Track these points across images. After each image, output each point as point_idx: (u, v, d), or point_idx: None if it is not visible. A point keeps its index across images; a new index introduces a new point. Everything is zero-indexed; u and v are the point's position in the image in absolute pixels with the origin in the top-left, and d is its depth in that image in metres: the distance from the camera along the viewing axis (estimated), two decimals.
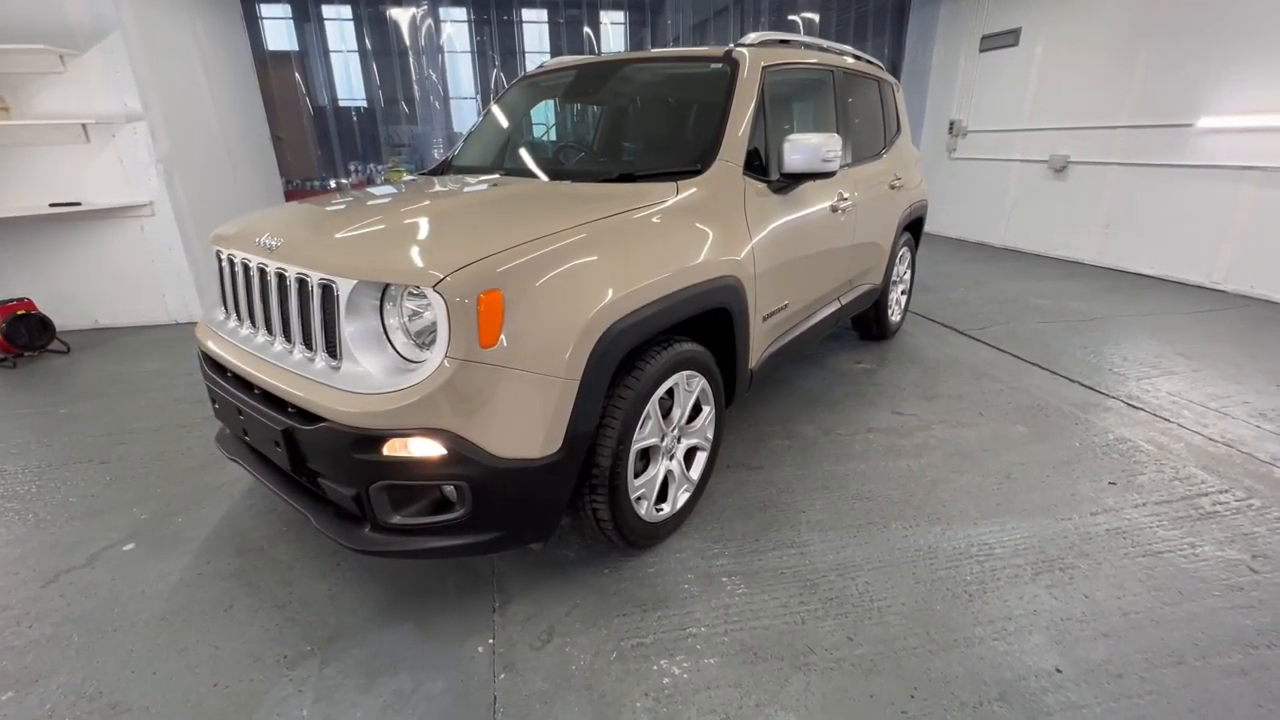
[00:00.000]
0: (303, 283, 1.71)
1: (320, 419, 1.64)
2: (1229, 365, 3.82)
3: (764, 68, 2.52)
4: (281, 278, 1.78)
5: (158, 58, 4.85)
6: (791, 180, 2.49)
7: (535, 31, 8.53)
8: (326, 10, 7.34)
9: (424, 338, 1.63)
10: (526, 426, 1.62)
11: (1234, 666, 1.69)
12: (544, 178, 2.46)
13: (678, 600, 1.96)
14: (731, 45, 2.58)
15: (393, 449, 1.57)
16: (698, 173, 2.22)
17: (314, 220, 2.06)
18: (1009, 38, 7.32)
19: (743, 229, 2.27)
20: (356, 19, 7.42)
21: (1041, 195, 7.10)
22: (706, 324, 2.17)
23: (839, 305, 3.31)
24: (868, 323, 4.13)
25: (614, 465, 1.84)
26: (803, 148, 2.34)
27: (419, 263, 1.56)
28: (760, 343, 2.51)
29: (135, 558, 2.22)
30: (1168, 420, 3.12)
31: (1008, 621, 1.85)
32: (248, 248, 1.92)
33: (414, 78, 7.75)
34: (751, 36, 2.64)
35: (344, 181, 7.65)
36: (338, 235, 1.81)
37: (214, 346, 2.05)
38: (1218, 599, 1.93)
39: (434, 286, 1.50)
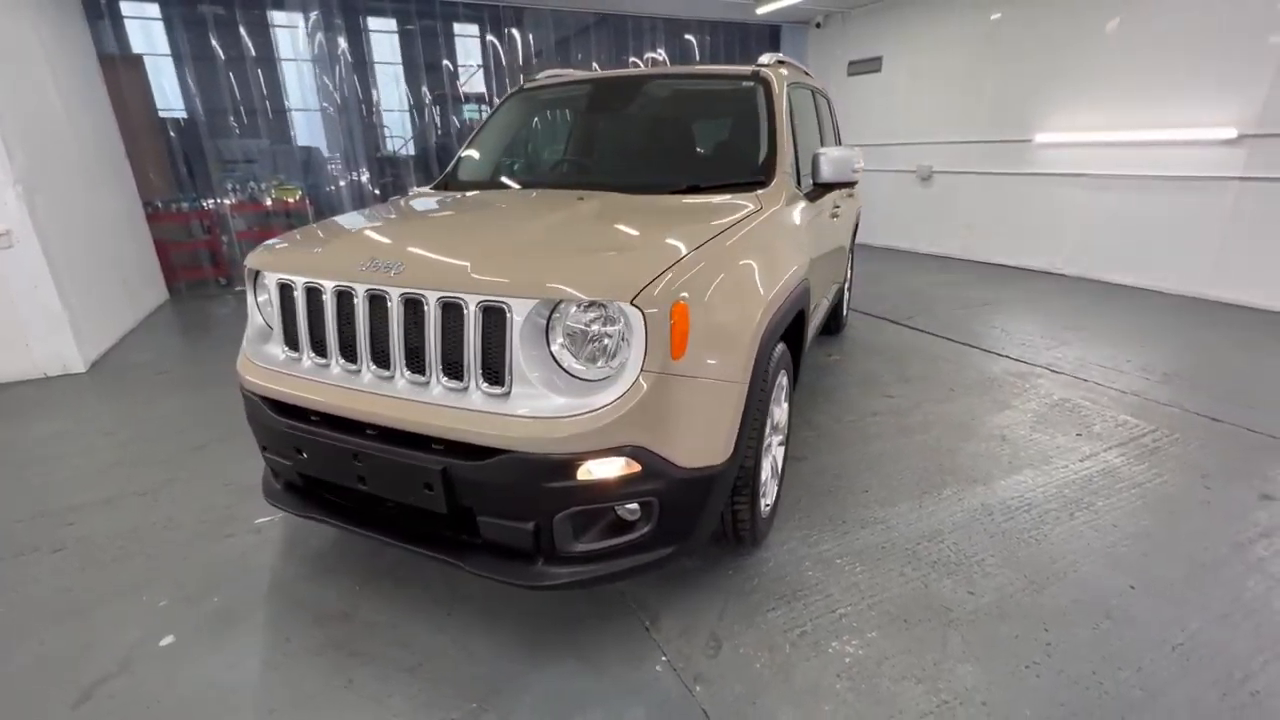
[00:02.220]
0: (449, 307, 1.58)
1: (493, 451, 1.53)
2: (1101, 333, 4.73)
3: (786, 85, 2.73)
4: (413, 304, 1.62)
5: None
6: (822, 190, 2.72)
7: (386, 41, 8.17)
8: (158, 10, 6.35)
9: (597, 355, 1.58)
10: (710, 434, 1.64)
11: (1237, 558, 2.16)
12: (609, 191, 2.42)
13: (810, 587, 2.06)
14: (755, 65, 2.75)
15: (586, 473, 1.52)
16: (762, 184, 2.35)
17: (422, 240, 1.90)
18: (874, 64, 8.35)
19: (803, 235, 2.44)
20: (176, 20, 6.44)
21: (912, 200, 8.17)
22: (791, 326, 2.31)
23: (827, 301, 3.62)
24: (831, 317, 4.52)
25: (755, 465, 1.91)
26: (834, 160, 2.57)
27: (608, 278, 1.52)
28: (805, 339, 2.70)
29: (183, 651, 1.85)
30: (1086, 380, 3.80)
31: (1074, 556, 2.19)
32: (344, 274, 1.71)
33: (259, 89, 6.89)
34: (765, 58, 2.83)
35: (225, 201, 6.71)
36: (485, 255, 1.68)
37: (292, 390, 1.79)
38: (1198, 512, 2.44)
39: (631, 300, 1.47)
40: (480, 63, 11.81)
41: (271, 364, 1.89)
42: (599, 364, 1.56)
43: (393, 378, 1.69)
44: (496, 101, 9.08)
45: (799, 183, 2.67)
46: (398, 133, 9.71)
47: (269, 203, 6.79)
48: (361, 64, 7.46)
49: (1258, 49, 4.96)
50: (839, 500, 2.56)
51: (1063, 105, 6.35)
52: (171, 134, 6.63)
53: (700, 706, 1.62)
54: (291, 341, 1.86)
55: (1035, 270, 6.83)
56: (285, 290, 1.84)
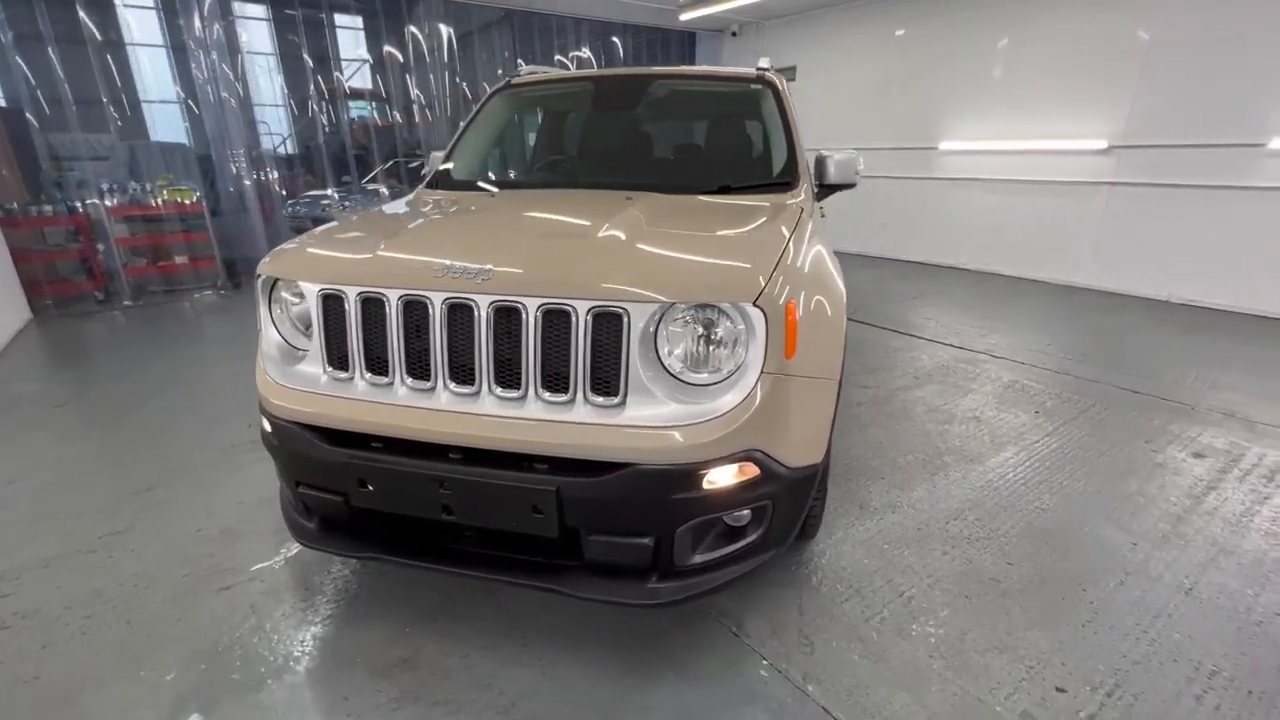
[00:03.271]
0: (552, 315, 1.46)
1: (609, 466, 1.44)
2: (1018, 320, 5.29)
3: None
4: (506, 313, 1.49)
5: None
6: (826, 191, 2.82)
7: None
8: None
9: (710, 359, 1.53)
10: (814, 432, 1.65)
11: (1198, 509, 2.50)
12: (644, 191, 2.34)
13: (870, 574, 2.13)
14: (756, 69, 2.80)
15: (710, 481, 1.47)
16: (789, 186, 2.40)
17: (495, 243, 1.75)
18: (788, 73, 8.78)
19: (827, 235, 2.52)
20: None
21: (834, 203, 8.68)
22: None
23: None
24: None
25: (827, 460, 1.95)
26: (840, 163, 2.68)
27: (729, 281, 1.48)
28: None
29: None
30: (1023, 363, 4.23)
31: (1082, 522, 2.43)
32: (414, 281, 1.53)
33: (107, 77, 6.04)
34: (764, 61, 2.89)
35: (102, 204, 5.77)
36: (583, 259, 1.57)
37: (350, 415, 1.58)
38: (1155, 473, 2.80)
39: (754, 302, 1.45)
40: (368, 57, 11.12)
41: (311, 386, 1.66)
42: (710, 368, 1.52)
43: (477, 394, 1.54)
44: (386, 99, 8.58)
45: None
46: (276, 129, 8.93)
47: (158, 205, 5.95)
48: (233, 53, 6.70)
49: (1122, 74, 5.78)
50: (860, 486, 2.67)
51: (961, 116, 7.03)
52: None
53: (819, 704, 1.63)
54: (338, 360, 1.64)
55: (944, 266, 7.51)
56: (332, 302, 1.62)
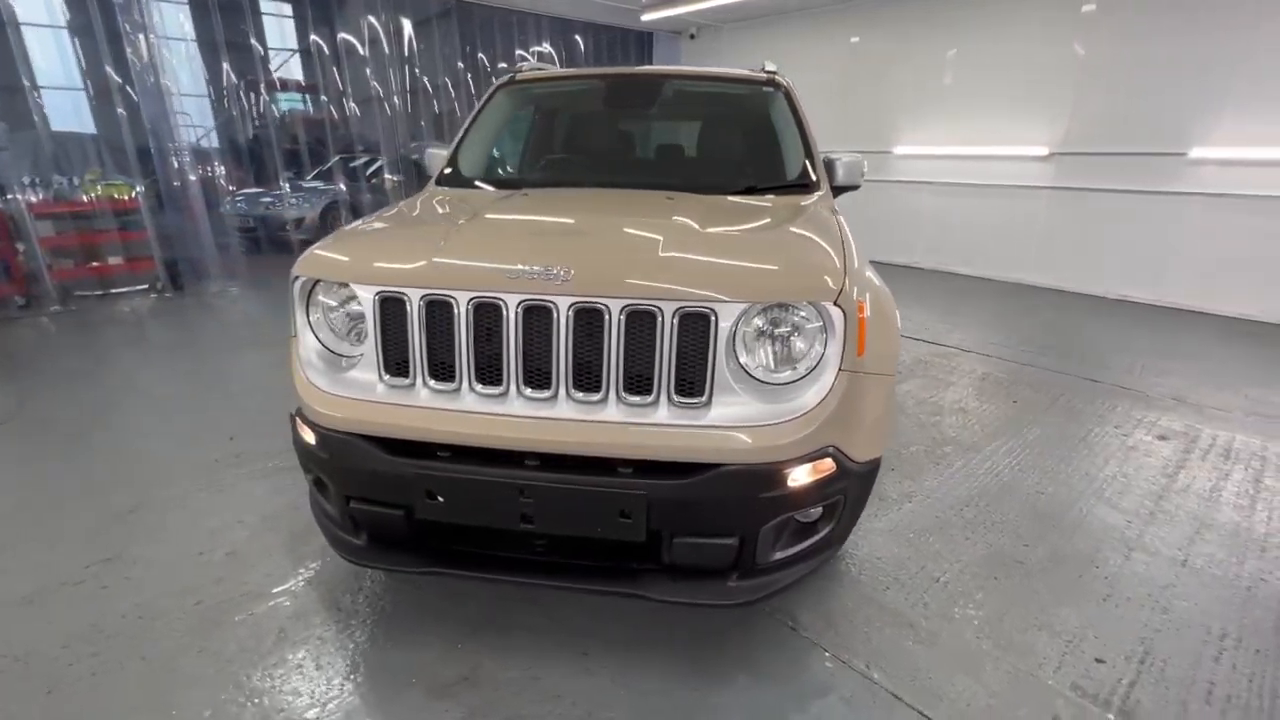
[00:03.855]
0: (637, 316, 1.44)
1: (696, 468, 1.44)
2: (977, 316, 5.61)
3: None
4: (588, 314, 1.45)
5: None
6: (836, 192, 2.89)
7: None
8: None
9: (787, 357, 1.55)
10: (878, 427, 1.69)
11: (1173, 486, 2.73)
12: (676, 191, 2.32)
13: (904, 563, 2.21)
14: (765, 71, 2.84)
15: (794, 479, 1.49)
16: (812, 187, 2.45)
17: (560, 243, 1.70)
18: None
19: None
20: None
21: None
22: None
23: None
24: None
25: None
26: (847, 165, 2.75)
27: (811, 280, 1.49)
28: None
29: None
30: (991, 356, 4.49)
31: (1078, 501, 2.61)
32: (486, 283, 1.47)
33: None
34: (771, 65, 2.94)
35: (22, 199, 5.22)
36: (669, 260, 1.54)
37: (417, 424, 1.51)
38: (1130, 456, 3.03)
39: (834, 301, 1.47)
40: (298, 47, 10.62)
41: (367, 395, 1.57)
42: (789, 367, 1.54)
43: (554, 398, 1.50)
44: (321, 91, 8.18)
45: None
46: (198, 121, 8.40)
47: (88, 201, 5.44)
48: (145, 37, 6.16)
49: (1061, 86, 6.22)
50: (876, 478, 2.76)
51: (915, 122, 7.38)
52: None
53: (889, 691, 1.67)
54: (396, 366, 1.56)
55: (899, 265, 7.86)
56: (391, 305, 1.53)
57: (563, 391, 1.49)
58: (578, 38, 8.58)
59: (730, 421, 1.46)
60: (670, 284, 1.44)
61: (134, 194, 5.60)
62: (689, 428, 1.45)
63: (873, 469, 1.69)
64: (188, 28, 7.22)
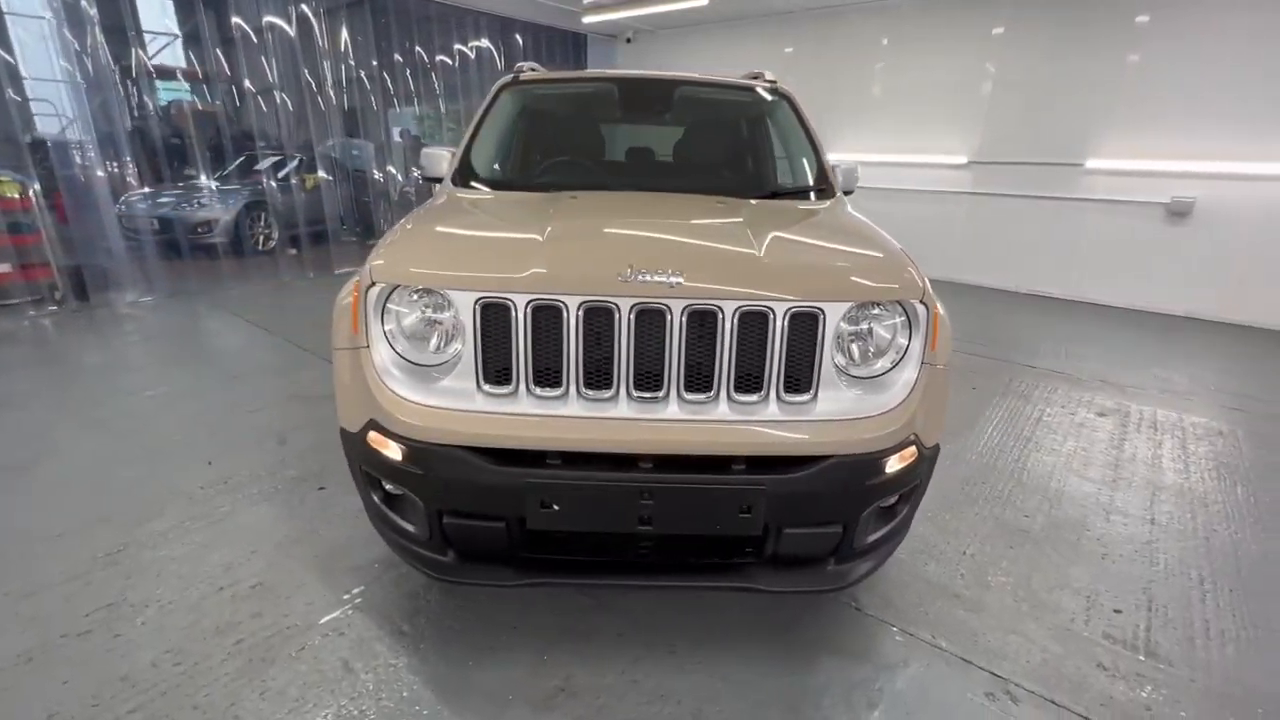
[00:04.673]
0: (750, 317, 1.49)
1: (807, 461, 1.51)
2: None
3: None
4: (699, 316, 1.48)
5: None
6: None
7: None
8: None
9: (873, 352, 1.65)
10: (941, 415, 1.83)
11: (1125, 458, 3.12)
12: (713, 195, 2.37)
13: (933, 539, 2.39)
14: (767, 80, 2.96)
15: (891, 466, 1.59)
16: (824, 192, 2.59)
17: (648, 245, 1.70)
18: None
19: None
20: None
21: None
22: None
23: None
24: None
25: None
26: (845, 171, 2.92)
27: (903, 279, 1.60)
28: None
29: None
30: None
31: (1055, 477, 2.92)
32: (597, 287, 1.47)
33: None
34: (769, 74, 3.06)
35: None
36: (772, 259, 1.59)
37: (534, 433, 1.47)
38: (1084, 433, 3.43)
39: (920, 299, 1.59)
40: (179, 32, 9.78)
41: (465, 404, 1.51)
42: (880, 361, 1.64)
43: (664, 400, 1.51)
44: (215, 80, 7.52)
45: None
46: (58, 110, 7.56)
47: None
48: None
49: (977, 100, 6.86)
50: None
51: (851, 129, 7.85)
52: None
53: (957, 656, 1.82)
54: (497, 374, 1.51)
55: None
56: (493, 312, 1.49)
57: (675, 393, 1.51)
58: (518, 36, 8.42)
59: (833, 415, 1.54)
60: (783, 284, 1.50)
61: (25, 193, 4.91)
62: (800, 423, 1.51)
63: (936, 454, 1.83)
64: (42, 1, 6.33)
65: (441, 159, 2.66)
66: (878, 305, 1.60)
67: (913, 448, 1.63)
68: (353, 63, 7.37)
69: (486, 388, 1.52)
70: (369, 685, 1.67)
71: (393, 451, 1.56)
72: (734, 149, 2.88)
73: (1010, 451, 3.15)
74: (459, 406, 1.51)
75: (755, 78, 2.99)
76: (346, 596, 1.99)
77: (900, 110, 7.38)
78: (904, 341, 1.63)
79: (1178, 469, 3.03)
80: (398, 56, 7.65)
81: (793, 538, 1.57)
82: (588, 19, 8.05)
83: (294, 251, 7.46)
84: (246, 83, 6.94)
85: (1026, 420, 3.54)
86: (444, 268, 1.55)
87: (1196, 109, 5.71)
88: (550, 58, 9.06)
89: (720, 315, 1.48)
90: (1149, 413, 3.71)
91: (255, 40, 6.88)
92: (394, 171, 8.88)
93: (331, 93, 7.17)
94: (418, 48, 7.73)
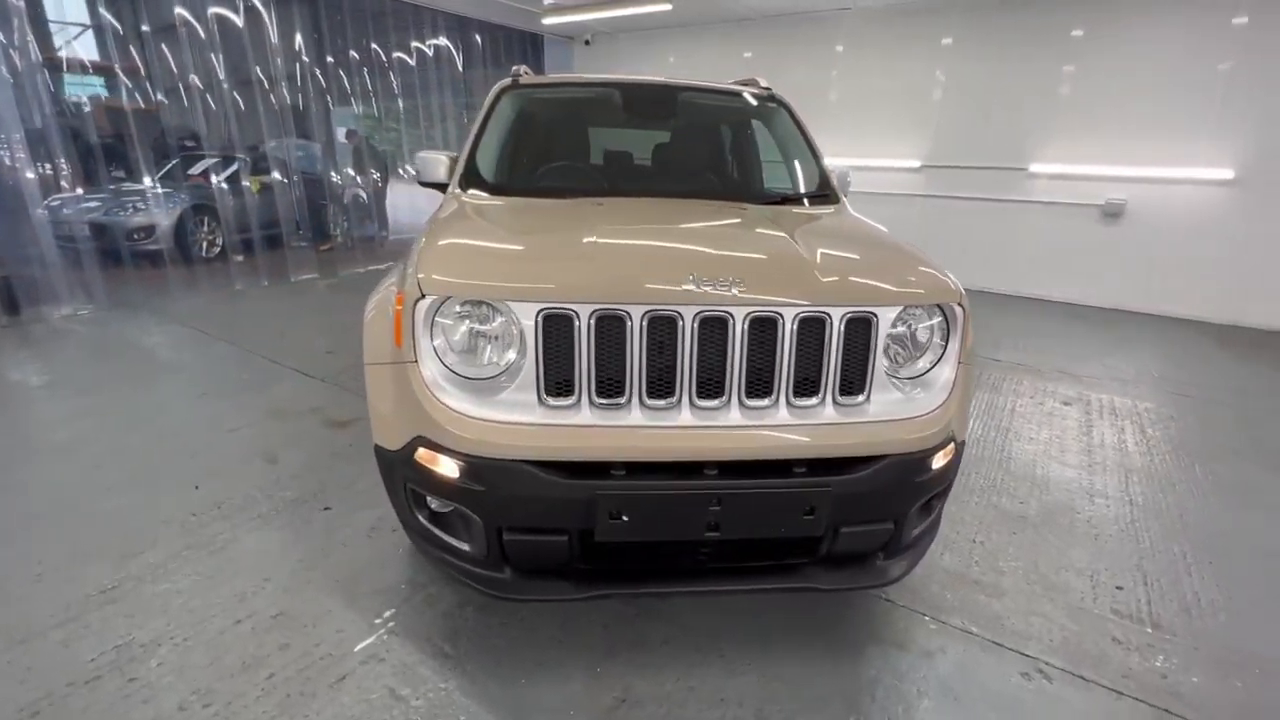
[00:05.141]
0: (808, 322, 1.52)
1: (864, 461, 1.55)
2: None
3: None
4: (760, 322, 1.50)
5: None
6: None
7: None
8: None
9: (913, 353, 1.72)
10: (967, 411, 1.92)
11: (1097, 443, 3.35)
12: (710, 200, 2.41)
13: (944, 531, 2.46)
14: (761, 86, 3.02)
15: (936, 462, 1.66)
16: (827, 198, 2.67)
17: (737, 253, 1.75)
18: None
19: None
20: None
21: None
22: None
23: None
24: None
25: None
26: (839, 176, 3.02)
27: (943, 283, 1.66)
28: None
29: None
30: None
31: (1037, 463, 3.11)
32: (662, 296, 1.47)
33: None
34: (764, 80, 3.12)
35: None
36: (825, 265, 1.64)
37: (602, 443, 1.46)
38: (1056, 420, 3.65)
39: (958, 302, 1.67)
40: (91, 22, 9.20)
41: (527, 417, 1.48)
42: (921, 362, 1.71)
43: (725, 406, 1.53)
44: (137, 76, 7.05)
45: None
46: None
47: None
48: None
49: (928, 106, 7.19)
50: None
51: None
52: None
53: (989, 640, 1.92)
54: (557, 385, 1.49)
55: None
56: (555, 323, 1.46)
57: (736, 399, 1.53)
58: (477, 36, 8.25)
59: (883, 416, 1.60)
60: (840, 290, 1.54)
61: None
62: (858, 424, 1.56)
63: (962, 446, 1.92)
64: None
65: (439, 163, 2.60)
66: (919, 307, 1.67)
67: (952, 444, 1.71)
68: (307, 60, 7.04)
69: (549, 400, 1.49)
70: (422, 712, 1.61)
71: (446, 468, 1.51)
72: (740, 155, 2.92)
73: (994, 442, 3.32)
74: (522, 420, 1.48)
75: (747, 84, 3.05)
76: (378, 621, 1.91)
77: (857, 115, 7.65)
78: (940, 342, 1.70)
79: (1142, 452, 3.28)
80: (354, 54, 7.36)
81: (849, 536, 1.61)
82: (548, 20, 7.97)
83: (240, 259, 7.07)
84: (192, 78, 6.52)
85: (1002, 412, 3.74)
86: (504, 279, 1.51)
87: (1126, 117, 6.18)
88: (509, 58, 8.92)
89: (780, 321, 1.51)
90: (1107, 400, 3.99)
91: (201, 34, 6.48)
92: (351, 173, 8.55)
93: (285, 90, 6.82)
94: (374, 45, 7.46)
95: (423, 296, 1.51)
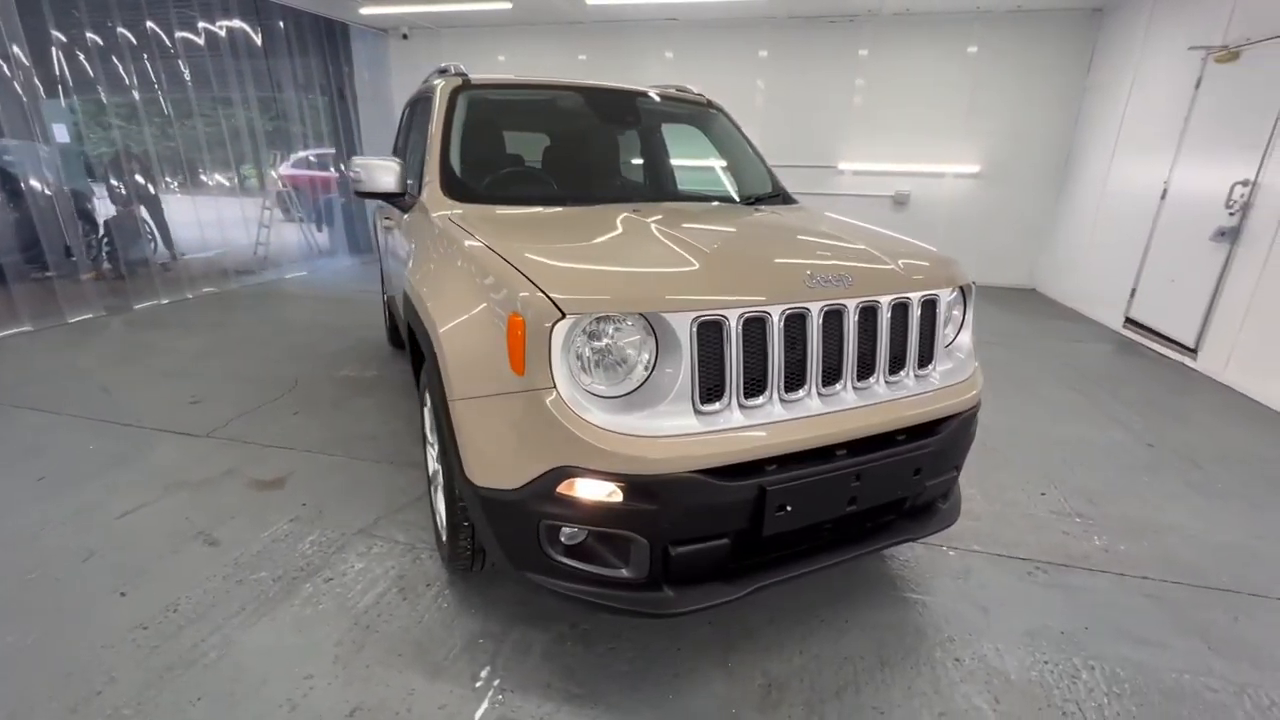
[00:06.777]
0: (898, 308, 1.73)
1: (941, 421, 1.82)
2: None
3: None
4: (865, 311, 1.67)
5: None
6: None
7: None
8: None
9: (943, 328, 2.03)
10: None
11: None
12: (695, 202, 2.52)
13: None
14: (694, 93, 3.19)
15: (973, 419, 2.00)
16: (786, 199, 2.95)
17: (819, 251, 1.86)
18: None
19: None
20: None
21: None
22: None
23: None
24: None
25: None
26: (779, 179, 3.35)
27: (960, 268, 1.99)
28: None
29: None
30: None
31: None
32: (794, 294, 1.57)
33: None
34: (694, 88, 3.28)
35: None
36: (894, 257, 1.85)
37: (762, 442, 1.52)
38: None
39: (970, 281, 2.02)
40: None
41: (686, 428, 1.48)
42: (949, 335, 2.03)
43: (841, 391, 1.68)
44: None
45: None
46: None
47: None
48: None
49: (751, 110, 8.03)
50: None
51: None
52: None
53: (995, 554, 2.35)
54: (708, 391, 1.51)
55: None
56: (707, 330, 1.48)
57: (848, 383, 1.69)
58: (280, 23, 7.12)
59: (948, 382, 1.88)
60: (916, 277, 1.78)
61: None
62: (937, 390, 1.82)
63: None
64: None
65: (387, 170, 2.36)
66: (955, 288, 1.98)
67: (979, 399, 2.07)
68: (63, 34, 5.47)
69: (703, 407, 1.50)
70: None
71: (604, 493, 1.44)
72: (702, 159, 3.06)
73: (988, 446, 3.94)
74: (685, 430, 1.47)
75: (681, 90, 3.21)
76: (479, 684, 1.71)
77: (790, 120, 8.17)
78: (959, 314, 2.04)
79: (989, 386, 4.16)
80: (149, 29, 5.88)
81: (932, 487, 1.88)
82: (366, 10, 7.22)
83: None
84: None
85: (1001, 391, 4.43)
86: (656, 293, 1.48)
87: (905, 124, 7.59)
88: (317, 48, 7.89)
89: (879, 309, 1.70)
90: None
91: None
92: (106, 182, 6.85)
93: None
94: (150, 23, 6.04)
95: (563, 317, 1.41)
